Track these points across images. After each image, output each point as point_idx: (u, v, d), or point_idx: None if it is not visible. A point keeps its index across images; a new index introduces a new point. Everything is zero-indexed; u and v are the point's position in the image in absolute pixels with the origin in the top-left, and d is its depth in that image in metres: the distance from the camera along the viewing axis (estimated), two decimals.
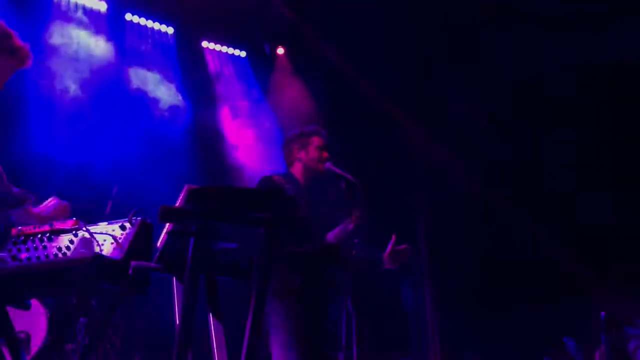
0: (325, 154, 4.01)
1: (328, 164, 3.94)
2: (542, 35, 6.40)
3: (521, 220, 6.80)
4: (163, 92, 6.67)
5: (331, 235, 3.83)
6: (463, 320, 6.98)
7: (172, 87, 6.75)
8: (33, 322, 4.57)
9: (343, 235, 3.79)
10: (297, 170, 4.01)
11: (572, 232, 6.59)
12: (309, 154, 3.99)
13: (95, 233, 3.22)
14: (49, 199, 3.29)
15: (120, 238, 3.19)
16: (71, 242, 3.22)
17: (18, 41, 3.22)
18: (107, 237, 3.20)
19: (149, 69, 6.71)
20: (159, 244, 2.86)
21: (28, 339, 4.57)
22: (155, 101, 6.66)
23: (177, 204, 2.50)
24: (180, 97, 6.76)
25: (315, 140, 4.03)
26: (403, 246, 3.95)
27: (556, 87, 6.68)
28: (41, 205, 3.25)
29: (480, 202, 7.02)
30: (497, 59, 6.68)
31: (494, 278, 6.86)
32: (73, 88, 6.19)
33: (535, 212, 6.74)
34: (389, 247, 3.89)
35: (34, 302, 4.58)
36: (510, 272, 6.80)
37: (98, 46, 6.45)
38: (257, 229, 2.62)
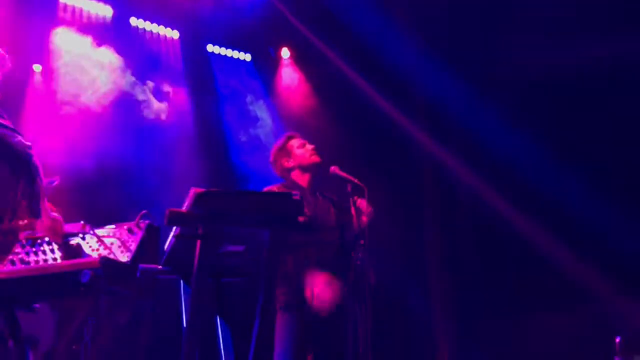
0: (311, 146, 4.04)
1: (333, 168, 3.94)
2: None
3: (532, 228, 6.74)
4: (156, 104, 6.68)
5: None
6: (472, 329, 6.94)
7: (164, 104, 6.75)
8: (41, 325, 4.59)
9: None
10: (295, 176, 4.03)
11: (583, 239, 6.50)
12: (297, 156, 4.02)
13: (103, 236, 3.24)
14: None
15: (128, 241, 3.22)
16: (78, 245, 3.24)
17: None
18: (115, 240, 3.23)
19: (150, 78, 6.73)
20: (166, 247, 2.88)
21: (36, 341, 4.60)
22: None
23: (184, 208, 2.51)
24: (164, 109, 6.75)
25: (294, 143, 4.08)
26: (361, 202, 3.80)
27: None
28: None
29: (491, 208, 6.98)
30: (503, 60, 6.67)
31: (505, 285, 6.83)
32: (78, 94, 6.23)
33: (545, 219, 6.68)
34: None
35: (42, 306, 4.60)
36: (522, 279, 6.76)
37: (103, 52, 6.48)
38: (263, 231, 2.64)
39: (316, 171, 4.03)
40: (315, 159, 4.00)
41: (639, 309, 5.96)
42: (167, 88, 6.84)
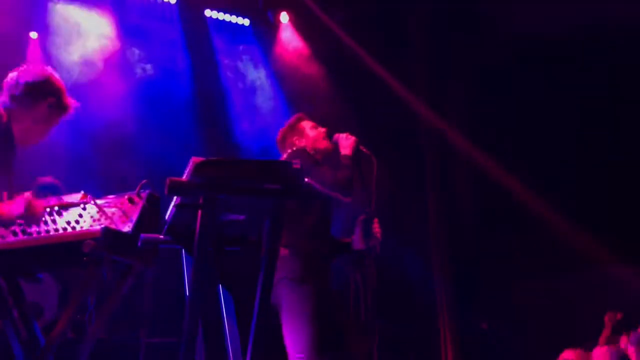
0: (322, 129, 3.97)
1: (337, 136, 3.90)
2: None
3: (531, 195, 6.75)
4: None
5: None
6: (471, 288, 7.01)
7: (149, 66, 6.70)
8: (45, 296, 4.62)
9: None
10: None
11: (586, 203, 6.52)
12: (309, 137, 3.95)
13: (104, 206, 3.23)
14: (25, 194, 3.10)
15: (129, 211, 3.21)
16: (80, 215, 3.24)
17: (67, 97, 3.21)
18: (116, 210, 3.22)
19: (147, 44, 6.67)
20: (167, 216, 2.87)
21: (40, 311, 4.63)
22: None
23: (184, 177, 2.50)
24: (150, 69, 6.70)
25: (305, 125, 4.00)
26: (375, 226, 3.79)
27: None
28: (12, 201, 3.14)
29: (490, 172, 6.98)
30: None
31: (505, 251, 6.87)
32: (73, 60, 6.18)
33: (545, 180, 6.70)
34: (358, 226, 3.79)
35: (46, 276, 4.62)
36: (520, 244, 6.81)
37: (98, 18, 6.41)
38: (265, 200, 2.63)
39: (327, 153, 3.97)
40: (327, 144, 3.93)
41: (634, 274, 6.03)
42: (163, 54, 6.78)
